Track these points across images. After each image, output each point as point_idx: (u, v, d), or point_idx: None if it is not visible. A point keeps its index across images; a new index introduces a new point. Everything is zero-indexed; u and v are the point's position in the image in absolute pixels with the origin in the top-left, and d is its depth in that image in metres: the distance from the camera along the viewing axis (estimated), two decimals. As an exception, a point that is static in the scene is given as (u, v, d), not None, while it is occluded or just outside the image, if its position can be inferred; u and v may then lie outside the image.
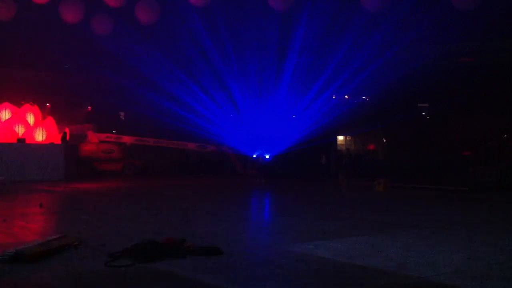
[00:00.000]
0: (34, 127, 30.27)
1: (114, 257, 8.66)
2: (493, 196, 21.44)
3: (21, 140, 29.13)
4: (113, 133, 37.78)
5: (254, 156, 34.20)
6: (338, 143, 47.91)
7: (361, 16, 24.12)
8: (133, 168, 34.59)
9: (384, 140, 46.77)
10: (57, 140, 30.59)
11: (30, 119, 30.71)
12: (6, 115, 30.10)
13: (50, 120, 31.58)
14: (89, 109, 45.30)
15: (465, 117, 42.38)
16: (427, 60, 33.88)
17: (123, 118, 47.84)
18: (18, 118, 30.07)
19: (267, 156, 34.13)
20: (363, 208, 17.07)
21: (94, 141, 34.75)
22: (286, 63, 31.59)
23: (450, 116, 43.56)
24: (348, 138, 48.91)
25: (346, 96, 45.78)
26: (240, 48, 29.89)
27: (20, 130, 29.62)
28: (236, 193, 22.71)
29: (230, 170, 36.05)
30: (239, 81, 33.56)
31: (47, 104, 38.64)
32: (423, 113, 45.66)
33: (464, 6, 21.72)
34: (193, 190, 23.24)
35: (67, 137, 31.23)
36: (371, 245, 10.19)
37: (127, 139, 35.67)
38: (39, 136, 29.95)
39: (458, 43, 26.75)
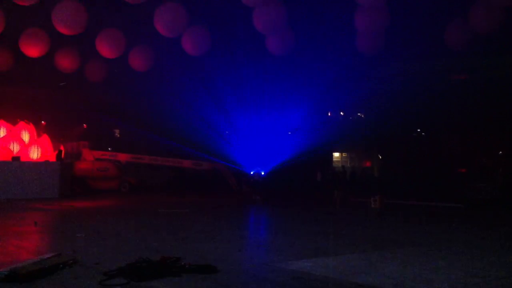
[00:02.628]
0: (29, 145, 30.20)
1: (108, 276, 8.61)
2: (488, 212, 21.45)
3: (16, 158, 29.03)
4: (108, 150, 37.73)
5: (252, 173, 34.18)
6: (334, 159, 47.98)
7: (354, 33, 24.29)
8: (129, 185, 34.50)
9: (380, 157, 46.86)
10: (52, 158, 30.51)
11: (25, 137, 30.64)
12: (0, 133, 30.04)
13: (45, 138, 31.52)
14: (85, 127, 45.27)
15: (460, 134, 42.51)
16: (421, 77, 34.07)
17: (118, 136, 47.82)
18: (13, 136, 29.99)
19: (262, 173, 34.15)
20: (359, 225, 17.03)
21: (89, 159, 34.67)
22: (281, 79, 31.71)
23: (445, 133, 43.68)
24: (344, 155, 49.00)
25: (341, 113, 45.94)
26: (235, 66, 30.00)
27: (15, 148, 29.53)
28: (231, 211, 22.64)
29: (226, 188, 35.96)
30: (234, 98, 33.64)
31: (42, 122, 38.60)
32: (418, 130, 45.79)
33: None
34: (188, 207, 23.16)
35: (62, 155, 31.15)
36: (368, 262, 10.16)
37: (122, 157, 35.61)
38: (34, 154, 29.86)
39: (452, 60, 26.95)
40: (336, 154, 48.79)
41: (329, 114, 45.04)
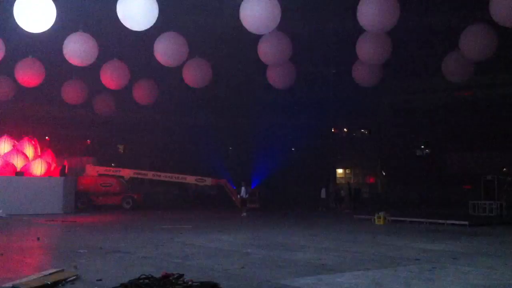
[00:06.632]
0: (33, 160, 30.25)
1: (111, 292, 8.56)
2: (493, 230, 21.32)
3: (19, 173, 29.09)
4: (112, 166, 37.80)
5: (252, 188, 34.19)
6: (337, 176, 47.93)
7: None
8: (132, 201, 34.47)
9: (384, 174, 46.78)
10: (56, 174, 30.54)
11: (29, 152, 30.70)
12: (5, 148, 30.11)
13: (49, 153, 31.58)
14: (88, 142, 45.36)
15: (464, 151, 42.44)
16: (425, 94, 34.12)
17: (122, 151, 47.91)
18: (17, 151, 30.06)
19: (258, 192, 34.22)
20: (363, 241, 16.93)
21: (92, 174, 34.69)
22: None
23: (449, 149, 43.63)
24: (347, 171, 48.96)
25: (345, 129, 46.00)
26: (237, 74, 30.17)
27: (19, 163, 29.58)
28: (233, 227, 22.55)
29: (229, 203, 35.92)
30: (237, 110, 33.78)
31: (46, 137, 38.66)
32: (422, 147, 45.78)
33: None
34: (191, 223, 23.11)
35: (66, 170, 31.19)
36: (372, 279, 10.08)
37: (125, 172, 35.64)
38: (38, 169, 29.90)
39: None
40: (340, 170, 48.77)
41: (333, 130, 45.12)
